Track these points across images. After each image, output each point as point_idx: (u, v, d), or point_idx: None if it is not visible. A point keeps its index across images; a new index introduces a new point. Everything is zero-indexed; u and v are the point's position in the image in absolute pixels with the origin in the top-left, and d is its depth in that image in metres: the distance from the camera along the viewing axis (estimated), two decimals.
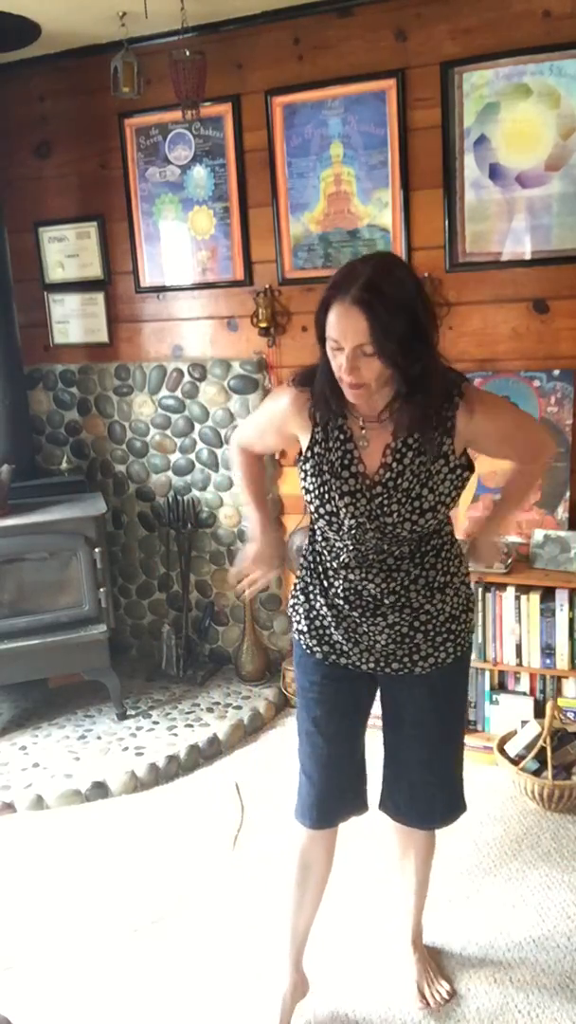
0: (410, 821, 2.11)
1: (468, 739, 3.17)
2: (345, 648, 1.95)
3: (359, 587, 1.89)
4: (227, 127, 3.47)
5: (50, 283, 4.00)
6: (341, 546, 1.87)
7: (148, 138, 3.65)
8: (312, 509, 1.88)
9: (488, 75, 3.05)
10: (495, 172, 3.11)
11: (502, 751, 2.99)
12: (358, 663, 1.95)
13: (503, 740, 3.03)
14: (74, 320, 3.99)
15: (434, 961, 2.25)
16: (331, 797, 2.03)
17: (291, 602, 2.04)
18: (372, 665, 1.95)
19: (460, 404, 1.80)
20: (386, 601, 1.88)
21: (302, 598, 1.99)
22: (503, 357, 3.24)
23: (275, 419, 1.95)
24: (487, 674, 3.19)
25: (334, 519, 1.83)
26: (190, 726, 3.46)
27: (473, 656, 3.13)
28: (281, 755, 3.23)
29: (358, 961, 2.28)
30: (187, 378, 3.78)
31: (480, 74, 3.05)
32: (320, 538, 1.94)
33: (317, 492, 1.84)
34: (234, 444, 2.14)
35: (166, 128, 3.60)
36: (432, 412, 1.77)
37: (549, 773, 2.81)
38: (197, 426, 3.81)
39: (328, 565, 1.93)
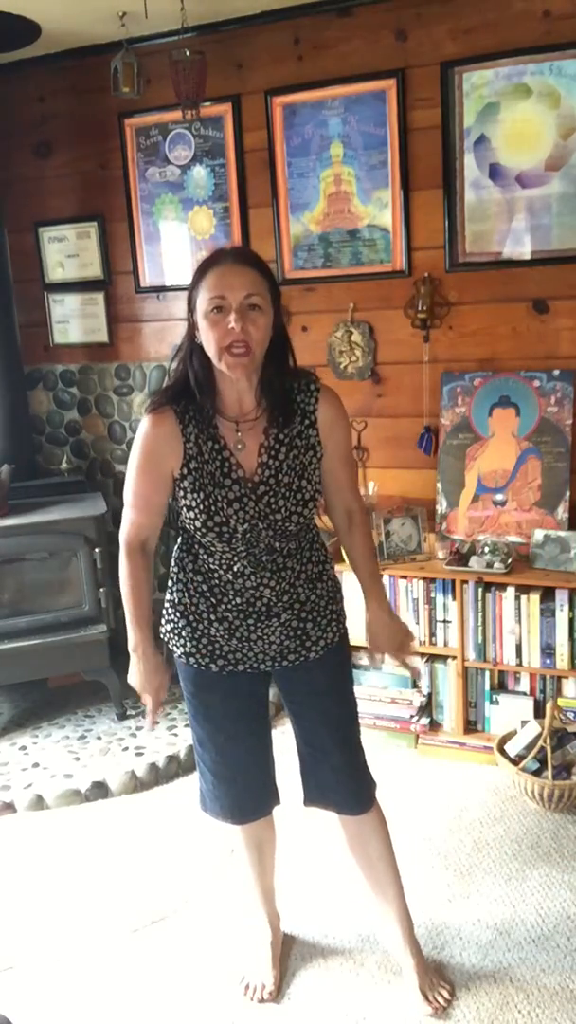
0: (342, 806, 2.09)
1: (468, 739, 3.19)
2: (240, 655, 1.97)
3: (255, 594, 1.91)
4: (227, 127, 3.47)
5: (50, 283, 4.00)
6: (233, 556, 1.87)
7: (148, 138, 3.65)
8: (197, 526, 1.85)
9: (488, 75, 3.05)
10: (495, 172, 3.11)
11: (502, 751, 2.99)
12: (255, 665, 1.99)
13: (503, 740, 3.03)
14: (74, 320, 3.99)
15: (428, 961, 2.22)
16: (250, 797, 2.12)
17: (166, 628, 2.02)
18: (269, 663, 1.99)
19: (318, 395, 1.90)
20: (280, 602, 1.93)
21: (182, 623, 1.98)
22: (503, 357, 3.24)
23: (154, 462, 1.85)
24: (487, 674, 3.19)
25: (224, 528, 1.84)
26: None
27: (473, 656, 3.14)
28: (281, 755, 3.22)
29: (355, 971, 2.28)
30: None
31: (480, 74, 3.05)
32: (204, 555, 1.91)
33: (202, 506, 1.83)
34: (122, 551, 1.94)
35: (166, 128, 3.60)
36: (296, 400, 1.87)
37: (549, 773, 2.81)
38: None
39: (215, 582, 1.92)
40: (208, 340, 1.77)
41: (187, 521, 1.88)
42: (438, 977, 2.18)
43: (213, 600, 1.94)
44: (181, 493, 1.86)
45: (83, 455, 4.10)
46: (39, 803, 3.05)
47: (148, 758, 3.23)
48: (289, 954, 2.32)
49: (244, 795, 2.11)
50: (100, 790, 3.10)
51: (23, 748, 3.40)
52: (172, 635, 2.02)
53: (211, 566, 1.92)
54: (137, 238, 3.76)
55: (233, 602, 1.93)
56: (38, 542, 3.43)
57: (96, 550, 3.40)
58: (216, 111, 3.44)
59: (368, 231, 3.34)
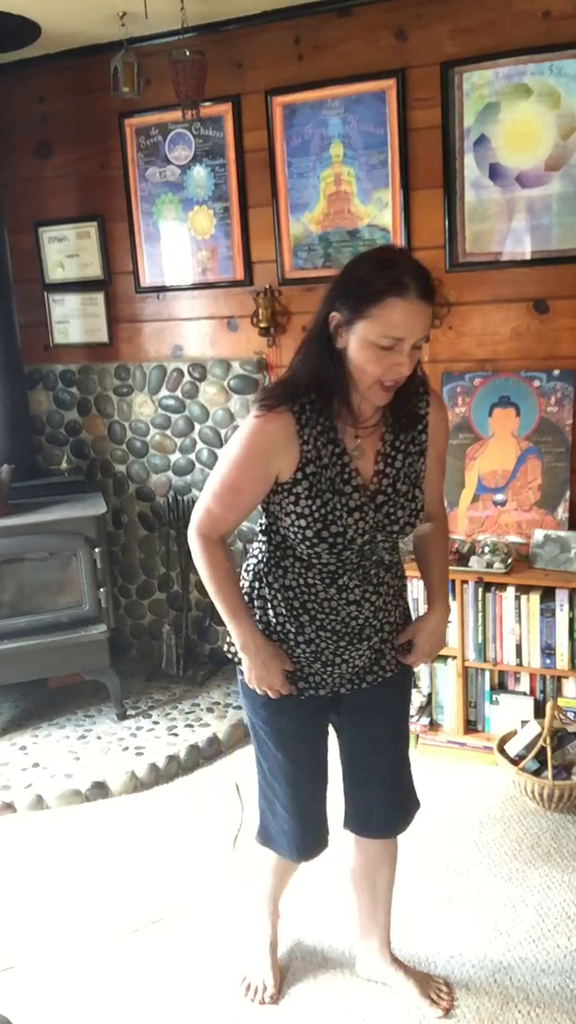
0: (384, 827, 2.05)
1: (468, 739, 3.19)
2: (320, 679, 1.88)
3: (354, 611, 1.82)
4: (227, 127, 3.47)
5: (50, 283, 4.00)
6: (340, 569, 1.77)
7: (148, 138, 3.65)
8: (308, 535, 1.72)
9: (488, 75, 3.04)
10: (495, 172, 3.11)
11: (502, 751, 2.99)
12: (336, 688, 1.90)
13: (503, 740, 3.03)
14: (74, 320, 3.99)
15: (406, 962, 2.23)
16: (319, 831, 2.02)
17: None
18: (348, 686, 1.90)
19: (428, 399, 1.83)
20: (375, 620, 1.86)
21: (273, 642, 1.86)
22: (503, 357, 3.24)
23: (261, 461, 1.71)
24: (487, 674, 3.19)
25: (340, 539, 1.73)
26: (190, 726, 3.46)
27: (473, 656, 3.14)
28: None
29: (355, 972, 2.28)
30: (187, 378, 3.78)
31: (480, 74, 3.05)
32: (300, 569, 1.80)
33: (318, 514, 1.71)
34: (196, 539, 1.81)
35: (166, 128, 3.60)
36: (414, 407, 1.80)
37: (549, 773, 2.81)
38: (197, 426, 3.81)
39: (309, 599, 1.81)
40: (366, 370, 1.64)
41: (293, 531, 1.73)
42: (430, 978, 2.18)
43: (306, 618, 1.82)
44: (291, 500, 1.72)
45: (83, 455, 4.10)
46: (39, 803, 3.05)
47: (148, 758, 3.23)
48: (289, 955, 2.32)
49: (313, 829, 2.01)
50: (100, 790, 3.10)
51: (23, 748, 3.40)
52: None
53: (309, 580, 1.79)
54: (137, 238, 3.76)
55: (327, 621, 1.81)
56: (38, 542, 3.43)
57: (96, 550, 3.40)
58: (216, 111, 3.44)
59: (368, 231, 3.34)
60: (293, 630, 1.84)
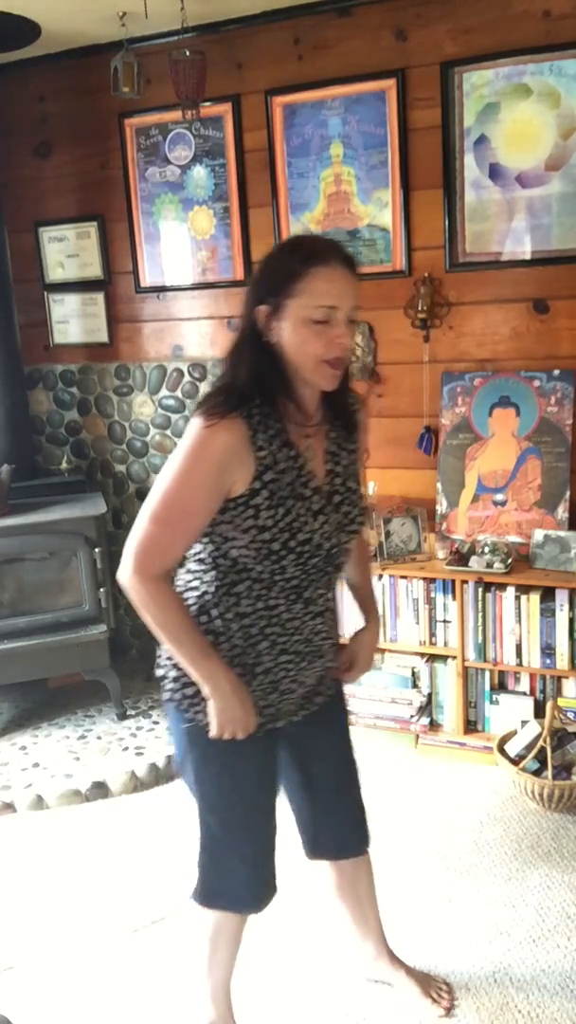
0: (353, 846, 2.01)
1: (468, 739, 3.19)
2: (275, 709, 1.76)
3: (316, 628, 1.73)
4: (227, 127, 3.47)
5: (50, 283, 4.00)
6: (305, 580, 1.67)
7: (148, 138, 3.64)
8: (274, 549, 1.60)
9: (488, 75, 3.04)
10: (495, 172, 3.11)
11: (502, 751, 2.98)
12: (289, 716, 1.79)
13: (503, 740, 3.03)
14: (74, 320, 3.99)
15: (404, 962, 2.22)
16: (273, 876, 1.87)
17: (185, 693, 1.70)
18: (300, 712, 1.81)
19: (356, 399, 1.79)
20: (329, 636, 1.79)
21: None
22: (503, 357, 3.24)
23: (215, 475, 1.56)
24: (487, 674, 3.19)
25: (307, 547, 1.63)
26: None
27: (473, 656, 3.14)
28: None
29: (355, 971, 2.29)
30: (187, 378, 3.78)
31: (480, 74, 3.05)
32: (258, 590, 1.65)
33: (283, 524, 1.60)
34: (140, 583, 1.57)
35: (166, 128, 3.60)
36: (352, 406, 1.76)
37: (549, 773, 2.81)
38: None
39: (269, 624, 1.68)
40: (305, 351, 1.57)
41: (254, 548, 1.59)
42: (430, 978, 2.18)
43: (265, 644, 1.68)
44: (249, 514, 1.58)
45: (83, 455, 4.10)
46: (39, 803, 3.05)
47: (148, 758, 3.23)
48: (289, 955, 2.31)
49: (271, 875, 1.85)
50: (100, 790, 3.10)
51: (23, 748, 3.40)
52: (195, 699, 1.69)
53: (270, 602, 1.66)
54: (137, 238, 3.76)
55: (289, 643, 1.70)
56: (38, 542, 3.43)
57: (96, 550, 3.40)
58: (216, 111, 3.44)
59: (368, 231, 3.34)
60: (251, 662, 1.69)
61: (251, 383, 1.60)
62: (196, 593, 1.70)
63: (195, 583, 1.71)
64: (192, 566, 1.72)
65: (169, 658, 1.73)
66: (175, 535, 1.59)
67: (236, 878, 1.83)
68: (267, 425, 1.60)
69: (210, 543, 1.66)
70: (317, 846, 2.00)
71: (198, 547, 1.69)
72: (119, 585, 1.64)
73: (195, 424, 1.58)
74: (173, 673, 1.73)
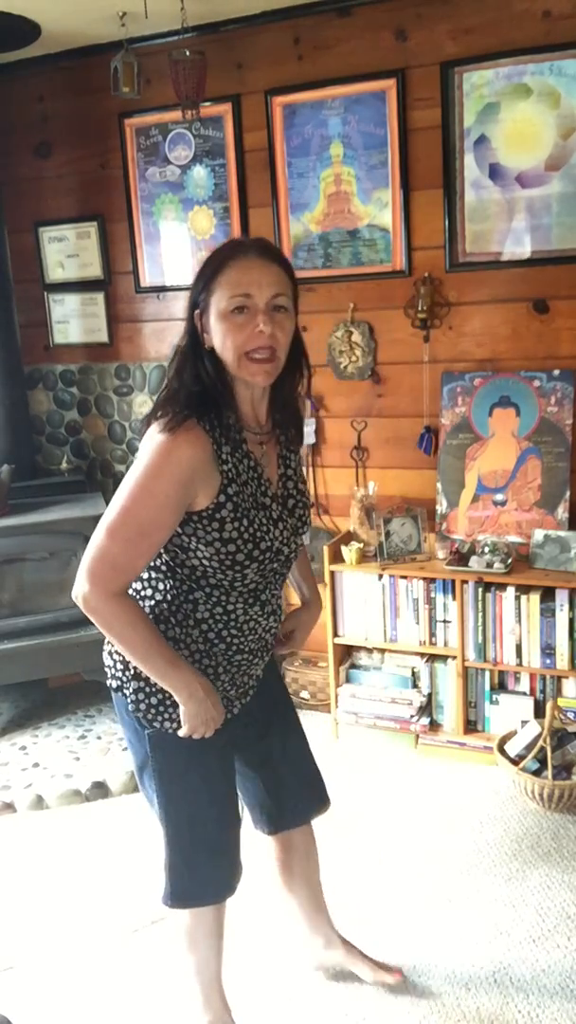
0: (316, 807, 2.05)
1: (468, 739, 3.19)
2: (229, 701, 1.79)
3: (268, 625, 1.77)
4: (227, 127, 3.47)
5: (50, 283, 4.00)
6: (263, 584, 1.69)
7: (148, 138, 3.64)
8: (239, 560, 1.61)
9: (488, 75, 3.04)
10: (495, 172, 3.11)
11: (502, 751, 2.98)
12: (244, 702, 1.84)
13: (503, 740, 3.03)
14: (74, 320, 3.99)
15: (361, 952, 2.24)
16: (239, 860, 1.90)
17: (148, 703, 1.70)
18: (250, 694, 1.86)
19: (302, 406, 1.82)
20: (276, 630, 1.83)
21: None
22: (503, 357, 3.24)
23: (181, 490, 1.53)
24: (487, 674, 3.19)
25: (268, 554, 1.65)
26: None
27: (473, 656, 3.14)
28: None
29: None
30: None
31: (480, 74, 3.05)
32: (217, 596, 1.67)
33: (247, 535, 1.61)
34: (102, 600, 1.54)
35: (166, 128, 3.60)
36: (297, 412, 1.78)
37: (549, 773, 2.81)
38: None
39: (227, 626, 1.70)
40: (226, 344, 1.56)
41: (218, 559, 1.60)
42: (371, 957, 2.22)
43: (222, 647, 1.71)
44: (214, 527, 1.58)
45: (83, 455, 4.10)
46: (39, 803, 3.05)
47: None
48: (289, 955, 2.31)
49: (238, 858, 1.89)
50: (100, 790, 3.10)
51: (23, 748, 3.40)
52: (160, 708, 1.70)
53: (228, 607, 1.68)
54: (137, 238, 3.76)
55: (245, 642, 1.73)
56: (38, 542, 3.43)
57: None
58: (216, 111, 3.44)
59: (368, 231, 3.34)
60: (210, 663, 1.71)
61: (197, 390, 1.59)
62: (151, 602, 1.70)
63: (148, 591, 1.70)
64: (145, 574, 1.70)
65: (125, 669, 1.72)
66: (137, 551, 1.55)
67: (208, 870, 1.85)
68: (227, 436, 1.59)
69: (167, 553, 1.65)
70: (284, 814, 2.01)
71: (162, 557, 1.68)
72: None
73: (155, 438, 1.55)
74: (134, 685, 1.71)
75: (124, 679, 1.73)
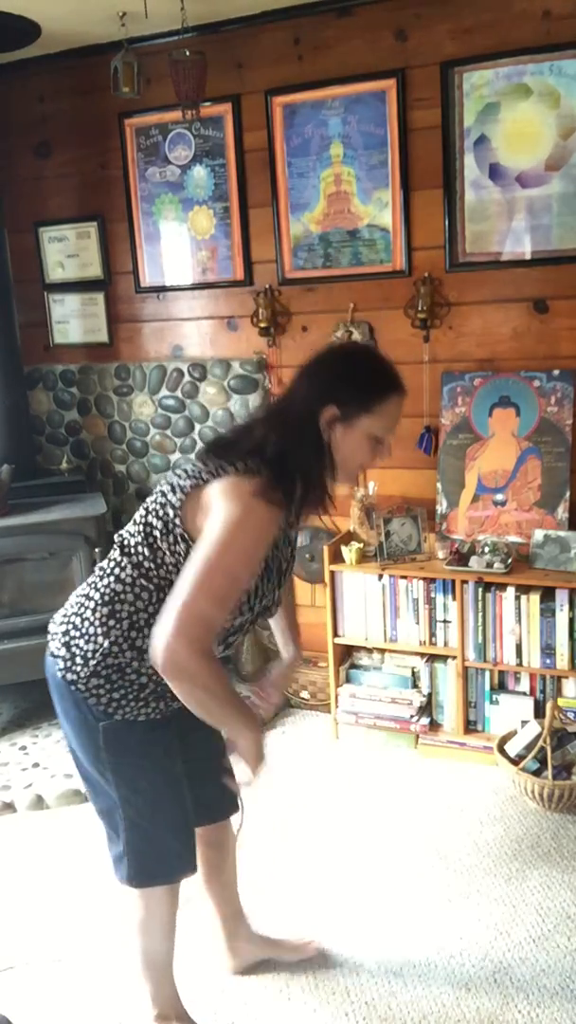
0: (231, 805, 2.05)
1: (468, 739, 3.19)
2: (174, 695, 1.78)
3: (220, 651, 1.82)
4: (227, 127, 3.47)
5: (50, 283, 4.00)
6: (236, 629, 1.79)
7: (148, 138, 3.65)
8: (240, 608, 1.71)
9: (488, 75, 3.05)
10: (495, 172, 3.11)
11: (502, 751, 2.99)
12: None
13: (503, 740, 3.03)
14: (74, 320, 3.99)
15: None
16: (194, 834, 1.96)
17: (111, 697, 1.74)
18: None
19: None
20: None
21: (134, 676, 1.74)
22: (503, 357, 3.24)
23: (264, 548, 1.62)
24: (487, 674, 3.19)
25: (257, 607, 1.78)
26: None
27: (473, 656, 3.14)
28: (281, 755, 3.22)
29: (354, 971, 2.28)
30: (187, 378, 3.78)
31: (480, 74, 3.05)
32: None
33: (258, 590, 1.75)
34: (196, 660, 1.51)
35: (166, 128, 3.60)
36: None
37: (549, 773, 2.81)
38: (197, 426, 3.81)
39: None
40: (356, 459, 1.72)
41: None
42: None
43: None
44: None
45: (83, 455, 4.10)
46: (39, 803, 3.05)
47: None
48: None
49: (194, 842, 1.95)
50: None
51: (23, 748, 3.40)
52: (122, 702, 1.76)
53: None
54: (137, 238, 3.76)
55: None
56: (38, 542, 3.43)
57: (96, 550, 3.40)
58: (216, 111, 3.44)
59: (368, 231, 3.34)
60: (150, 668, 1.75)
61: (300, 473, 1.65)
62: (130, 607, 1.72)
63: (130, 596, 1.72)
64: (141, 582, 1.72)
65: (85, 665, 1.74)
66: (223, 611, 1.57)
67: (167, 848, 1.90)
68: (290, 510, 1.67)
69: (171, 572, 1.68)
70: (201, 810, 2.01)
71: (151, 566, 1.70)
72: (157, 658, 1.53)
73: (247, 496, 1.58)
74: (95, 681, 1.74)
75: (82, 675, 1.75)
